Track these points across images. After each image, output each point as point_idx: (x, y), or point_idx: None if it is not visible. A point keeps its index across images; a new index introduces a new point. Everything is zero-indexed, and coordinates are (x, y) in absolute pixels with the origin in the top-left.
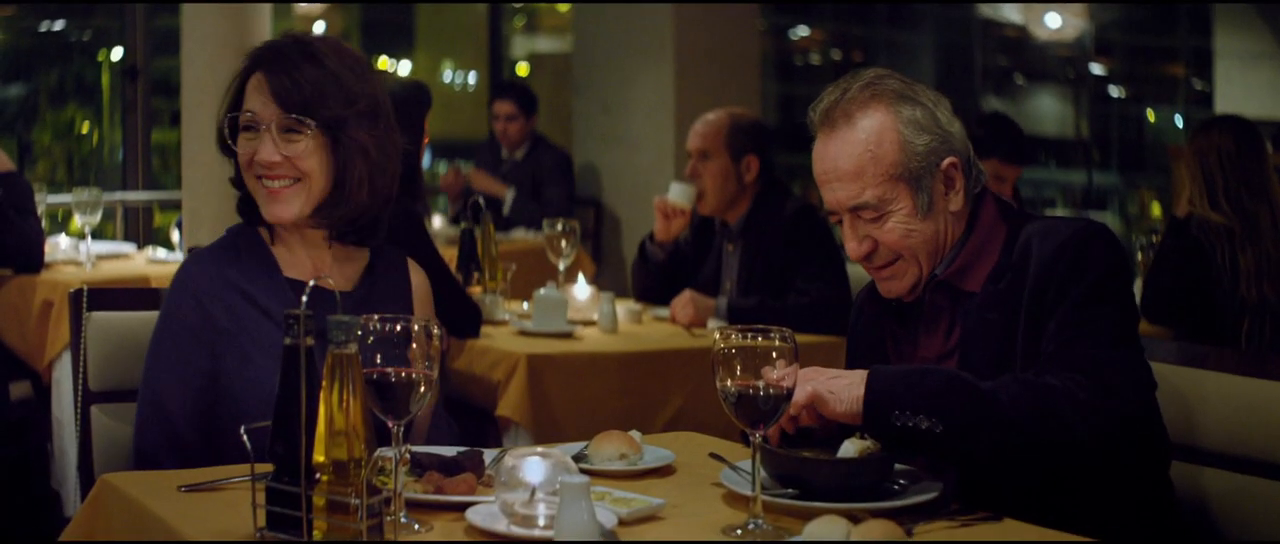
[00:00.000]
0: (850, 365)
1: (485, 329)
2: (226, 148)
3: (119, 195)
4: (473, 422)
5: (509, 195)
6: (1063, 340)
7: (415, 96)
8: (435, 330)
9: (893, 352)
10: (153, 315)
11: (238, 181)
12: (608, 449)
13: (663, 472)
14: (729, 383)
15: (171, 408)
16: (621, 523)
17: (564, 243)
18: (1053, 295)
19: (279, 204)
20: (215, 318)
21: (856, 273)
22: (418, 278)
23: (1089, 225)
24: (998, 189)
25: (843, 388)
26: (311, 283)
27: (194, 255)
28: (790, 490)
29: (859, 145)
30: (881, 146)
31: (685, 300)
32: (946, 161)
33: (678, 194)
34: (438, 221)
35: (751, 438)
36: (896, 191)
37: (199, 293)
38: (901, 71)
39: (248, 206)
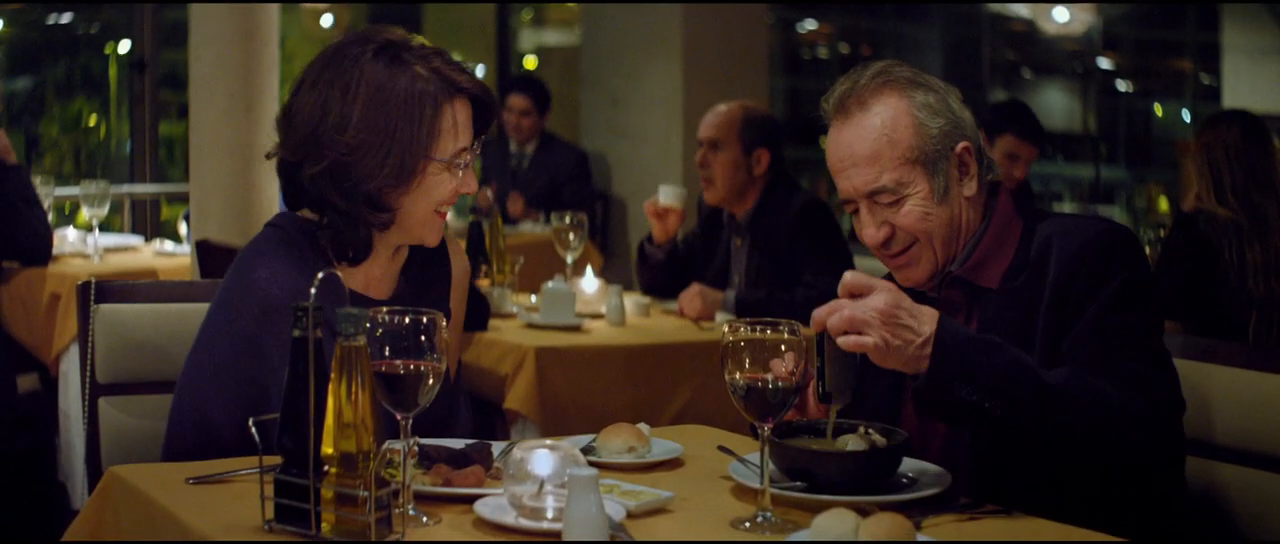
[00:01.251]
0: (864, 358)
1: (493, 322)
2: (395, 184)
3: (126, 188)
4: (481, 414)
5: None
6: (1097, 346)
7: None
8: (442, 323)
9: None
10: (161, 308)
11: (360, 214)
12: (616, 442)
13: (671, 464)
14: (737, 376)
15: (217, 418)
16: (630, 515)
17: (572, 236)
18: (1077, 296)
19: (440, 229)
20: (282, 336)
21: (865, 267)
22: (459, 263)
23: (1113, 227)
24: (1012, 169)
25: (907, 345)
26: (320, 276)
27: (258, 258)
28: (799, 483)
29: (874, 130)
30: (897, 130)
31: (693, 293)
32: (960, 146)
33: (667, 196)
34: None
35: (760, 431)
36: (913, 175)
37: (267, 307)
38: (910, 64)
39: (353, 240)
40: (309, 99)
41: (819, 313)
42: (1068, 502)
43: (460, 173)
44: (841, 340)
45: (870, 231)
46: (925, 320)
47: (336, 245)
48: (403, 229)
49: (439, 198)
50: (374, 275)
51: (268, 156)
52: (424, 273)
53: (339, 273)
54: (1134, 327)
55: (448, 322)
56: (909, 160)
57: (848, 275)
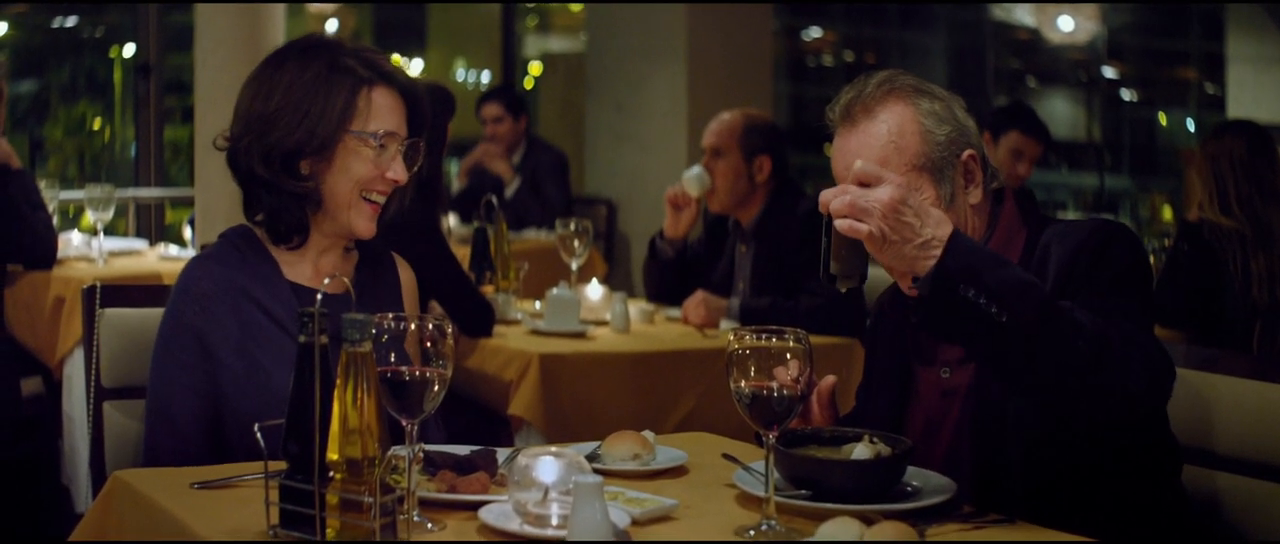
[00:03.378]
0: (869, 367)
1: (498, 328)
2: (302, 156)
3: (131, 192)
4: (485, 421)
5: (515, 182)
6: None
7: (440, 101)
8: (449, 329)
9: (913, 352)
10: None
11: (294, 193)
12: (620, 449)
13: (675, 472)
14: (742, 384)
15: (180, 415)
16: (634, 523)
17: (577, 242)
18: (1071, 292)
19: (374, 217)
20: (222, 324)
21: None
22: (406, 275)
23: (1107, 224)
24: (1017, 166)
25: (905, 241)
26: (327, 281)
27: (197, 260)
28: (803, 491)
29: (882, 137)
30: (904, 137)
31: (697, 301)
32: (966, 153)
33: (692, 178)
34: (452, 220)
35: (765, 439)
36: (920, 182)
37: (204, 299)
38: (913, 73)
39: (286, 219)
40: (246, 92)
41: (825, 194)
42: (1070, 511)
43: (378, 152)
44: (838, 224)
45: None
46: (931, 223)
47: (273, 228)
48: (330, 213)
49: (359, 175)
50: (325, 270)
51: (216, 147)
52: (374, 275)
53: (289, 266)
54: (1123, 309)
55: None
56: (916, 167)
57: (859, 163)
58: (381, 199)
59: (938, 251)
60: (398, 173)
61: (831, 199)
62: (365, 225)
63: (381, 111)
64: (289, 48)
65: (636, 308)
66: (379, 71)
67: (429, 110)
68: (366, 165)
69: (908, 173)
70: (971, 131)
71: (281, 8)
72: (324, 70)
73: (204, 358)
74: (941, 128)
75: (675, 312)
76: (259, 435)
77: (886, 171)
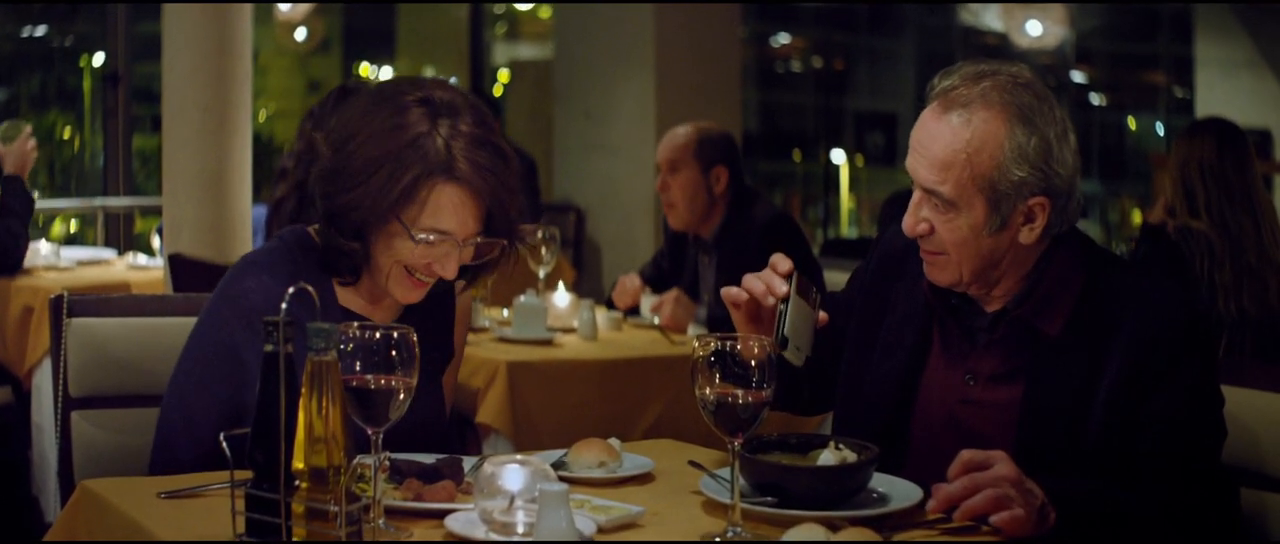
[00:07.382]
0: (861, 332)
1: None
2: (360, 224)
3: (100, 201)
4: (452, 428)
5: None
6: (1172, 438)
7: None
8: (412, 338)
9: (939, 338)
10: (134, 322)
11: (337, 233)
12: (587, 457)
13: (642, 479)
14: (708, 391)
15: (205, 425)
16: (600, 530)
17: (544, 250)
18: (1144, 389)
19: (420, 292)
20: (261, 345)
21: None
22: (462, 301)
23: (1189, 313)
24: None
25: (1031, 509)
26: (291, 290)
27: (249, 267)
28: (769, 498)
29: (960, 140)
30: (979, 154)
31: (670, 299)
32: (1035, 200)
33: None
34: None
35: (730, 445)
36: (974, 199)
37: (251, 316)
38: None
39: (336, 262)
40: (328, 112)
41: (945, 496)
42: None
43: (425, 246)
44: (995, 519)
45: (909, 221)
46: (1030, 483)
47: (329, 258)
48: (372, 275)
49: (401, 257)
50: (380, 296)
51: (281, 167)
52: (428, 303)
53: (341, 292)
54: (1208, 417)
55: (453, 359)
56: (976, 187)
57: (965, 453)
58: (428, 280)
59: (1051, 513)
60: (445, 269)
61: (959, 494)
62: (406, 296)
63: (440, 210)
64: (393, 91)
65: (604, 315)
66: (450, 170)
67: (513, 210)
68: (411, 253)
69: (965, 186)
70: (1056, 178)
71: (249, 14)
72: (403, 143)
73: (238, 370)
74: (1020, 168)
75: (643, 319)
76: (224, 444)
77: (990, 452)
